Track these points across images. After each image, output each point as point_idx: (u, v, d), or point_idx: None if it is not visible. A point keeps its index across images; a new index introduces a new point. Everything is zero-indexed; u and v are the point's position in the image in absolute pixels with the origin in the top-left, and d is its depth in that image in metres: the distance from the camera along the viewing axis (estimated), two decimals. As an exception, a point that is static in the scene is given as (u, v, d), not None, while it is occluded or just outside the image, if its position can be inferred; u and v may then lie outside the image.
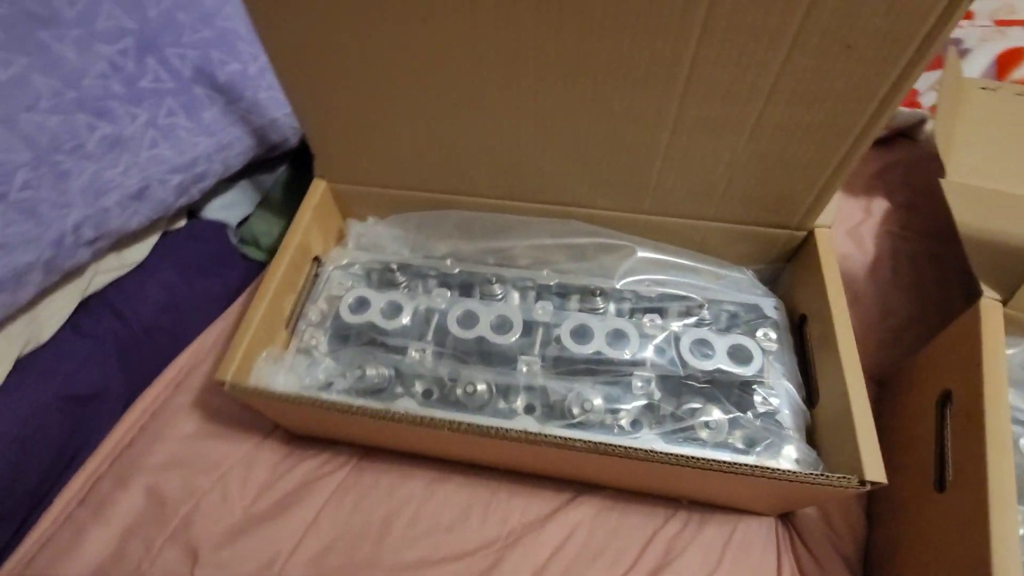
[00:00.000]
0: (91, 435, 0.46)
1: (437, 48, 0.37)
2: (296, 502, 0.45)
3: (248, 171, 0.56)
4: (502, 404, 0.44)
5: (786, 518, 0.45)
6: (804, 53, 0.33)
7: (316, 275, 0.50)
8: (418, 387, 0.45)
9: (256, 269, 0.61)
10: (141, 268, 0.50)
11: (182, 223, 0.52)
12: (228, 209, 0.56)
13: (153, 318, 0.50)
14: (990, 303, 0.39)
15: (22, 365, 0.42)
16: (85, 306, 0.47)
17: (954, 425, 0.37)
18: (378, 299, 0.46)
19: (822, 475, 0.34)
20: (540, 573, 0.41)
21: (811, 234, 0.46)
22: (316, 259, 0.51)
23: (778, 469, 0.34)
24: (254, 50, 0.48)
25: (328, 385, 0.44)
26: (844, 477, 0.33)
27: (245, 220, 0.61)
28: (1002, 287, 0.40)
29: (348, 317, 0.45)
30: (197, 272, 0.53)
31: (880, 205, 0.63)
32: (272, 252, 0.62)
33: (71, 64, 0.40)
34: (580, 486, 0.47)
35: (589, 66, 0.36)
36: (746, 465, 0.34)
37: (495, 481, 0.47)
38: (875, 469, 0.33)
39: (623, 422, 0.41)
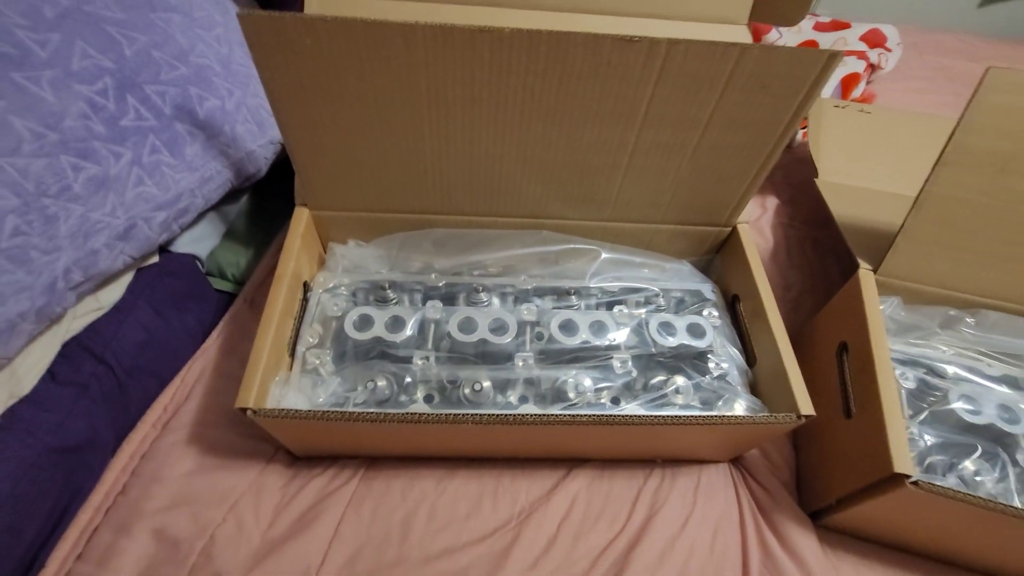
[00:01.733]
0: (83, 485, 0.44)
1: (435, 90, 0.42)
2: (315, 518, 0.47)
3: (216, 203, 0.56)
4: (500, 399, 0.49)
5: (736, 462, 0.55)
6: (733, 91, 0.42)
7: (306, 299, 0.52)
8: (420, 393, 0.49)
9: (225, 300, 0.60)
10: (117, 308, 0.48)
11: (155, 259, 0.51)
12: (198, 242, 0.55)
13: (134, 359, 0.49)
14: (865, 272, 0.52)
15: (5, 421, 0.40)
16: (62, 352, 0.45)
17: (852, 367, 0.49)
18: (380, 315, 0.49)
19: (772, 416, 0.44)
20: (554, 539, 0.47)
21: (735, 229, 0.57)
22: (305, 284, 0.53)
23: (741, 416, 0.43)
24: (229, 85, 0.49)
25: (339, 400, 0.47)
26: (787, 415, 0.43)
27: (210, 252, 0.60)
28: (872, 259, 0.53)
29: (355, 334, 0.48)
30: (172, 308, 0.52)
31: (772, 202, 0.78)
32: (240, 282, 0.62)
33: (49, 105, 0.39)
34: (572, 463, 0.53)
35: (567, 106, 0.43)
36: (718, 416, 0.43)
37: (498, 470, 0.52)
38: (806, 405, 0.44)
39: (606, 399, 0.49)
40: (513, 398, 0.49)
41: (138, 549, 0.44)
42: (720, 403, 0.48)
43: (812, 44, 0.97)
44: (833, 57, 0.40)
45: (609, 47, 0.39)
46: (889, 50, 0.94)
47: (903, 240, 0.50)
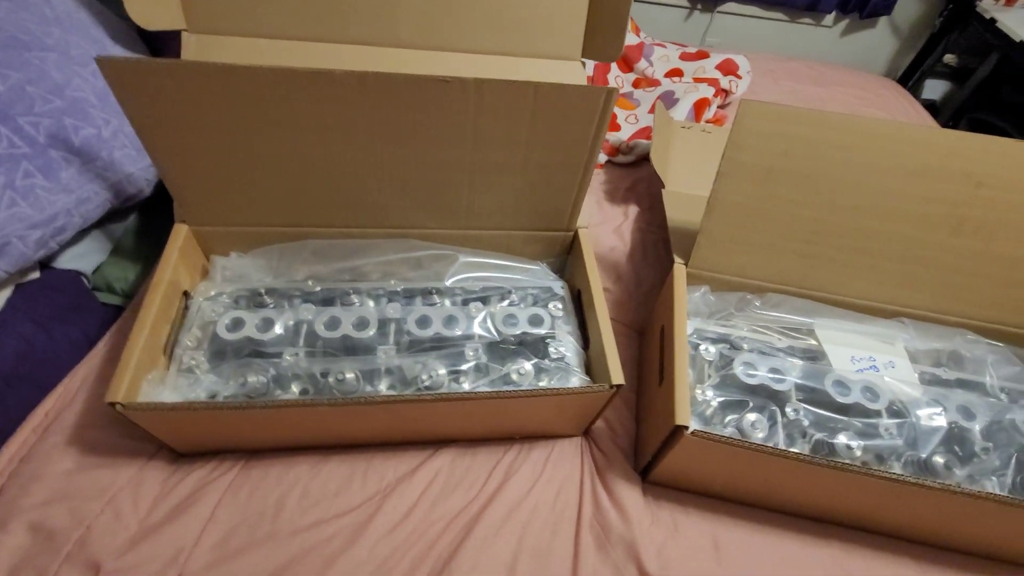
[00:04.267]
0: (-42, 487, 0.47)
1: (290, 121, 0.49)
2: (192, 504, 0.52)
3: (100, 222, 0.60)
4: (368, 388, 0.56)
5: (587, 435, 0.64)
6: (541, 119, 0.51)
7: (187, 307, 0.57)
8: (295, 388, 0.55)
9: (114, 314, 0.64)
10: (-4, 321, 0.52)
11: (35, 275, 0.55)
12: (82, 258, 0.59)
13: (12, 368, 0.52)
14: (679, 266, 0.63)
15: None
16: (-63, 363, 0.48)
17: (663, 346, 0.59)
18: (252, 317, 0.55)
19: (589, 386, 0.52)
20: (414, 507, 0.54)
21: (576, 233, 0.66)
22: (185, 293, 0.58)
23: (560, 387, 0.52)
24: (106, 115, 0.54)
25: (213, 396, 0.52)
26: (600, 385, 0.52)
27: (97, 268, 0.64)
28: (685, 256, 0.63)
29: (225, 335, 0.53)
30: (55, 320, 0.56)
31: (633, 210, 0.89)
32: (128, 296, 0.66)
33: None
34: (438, 444, 0.60)
35: (408, 131, 0.51)
36: (541, 389, 0.51)
37: (370, 453, 0.58)
38: (618, 376, 0.52)
39: (463, 383, 0.56)
40: (383, 387, 0.56)
41: (12, 541, 0.47)
42: (554, 381, 0.57)
43: (677, 72, 1.11)
44: (611, 93, 0.50)
45: (429, 86, 0.47)
46: (740, 77, 1.08)
47: (703, 238, 0.61)
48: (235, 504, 0.53)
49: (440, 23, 0.63)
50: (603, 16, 0.62)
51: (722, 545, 0.54)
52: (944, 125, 1.69)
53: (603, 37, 0.63)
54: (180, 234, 0.57)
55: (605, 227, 0.85)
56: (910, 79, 1.77)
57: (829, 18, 1.79)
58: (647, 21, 1.82)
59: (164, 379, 0.51)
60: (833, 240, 0.58)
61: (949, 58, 1.75)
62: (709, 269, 0.63)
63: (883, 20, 1.80)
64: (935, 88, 1.84)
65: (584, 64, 0.68)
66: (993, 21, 1.46)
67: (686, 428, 0.48)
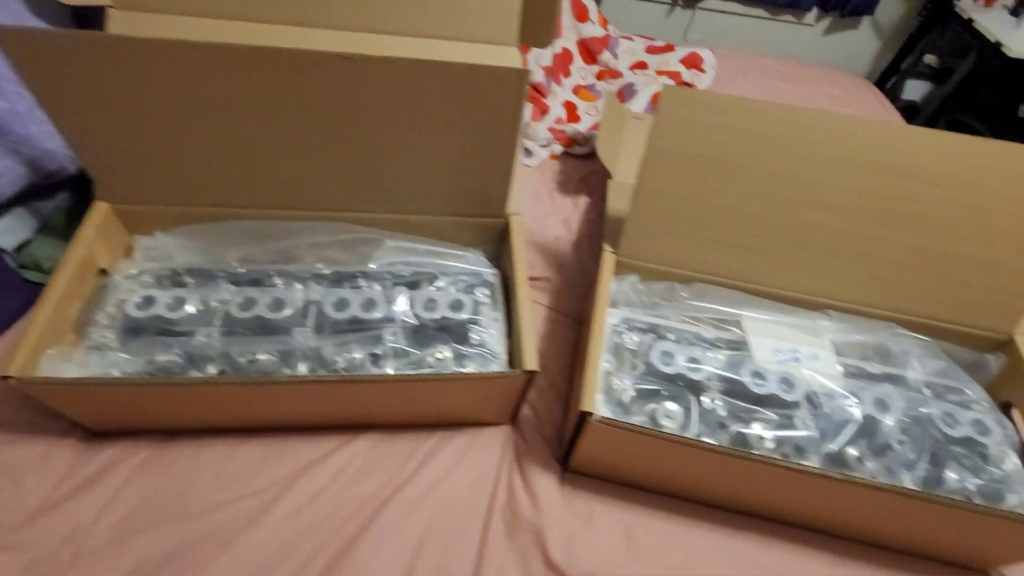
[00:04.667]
0: None
1: (212, 97, 0.48)
2: (96, 483, 0.51)
3: (24, 199, 0.60)
4: (287, 371, 0.55)
5: (515, 423, 0.63)
6: (453, 100, 0.51)
7: (105, 286, 0.57)
8: (212, 369, 0.54)
9: (40, 291, 0.64)
10: (-97, 295, 0.51)
11: (-50, 249, 0.54)
12: (4, 235, 0.59)
13: (-79, 342, 0.52)
14: (608, 255, 0.62)
15: None
16: None
17: (584, 333, 0.59)
18: (163, 296, 0.54)
19: (496, 371, 0.52)
20: (324, 490, 0.53)
21: (508, 220, 0.65)
22: (103, 271, 0.57)
23: (467, 372, 0.51)
24: (21, 89, 0.53)
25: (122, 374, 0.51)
26: (513, 370, 0.52)
27: (25, 246, 0.63)
28: (615, 244, 0.63)
29: (134, 313, 0.53)
30: (-29, 295, 0.56)
31: (584, 200, 0.88)
32: (57, 274, 0.65)
33: None
34: (360, 429, 0.59)
35: (320, 109, 0.51)
36: (450, 374, 0.50)
37: (287, 435, 0.58)
38: (532, 362, 0.52)
39: (385, 368, 0.56)
40: (303, 370, 0.55)
41: (-95, 515, 0.47)
42: (474, 367, 0.56)
43: (642, 65, 1.10)
44: (522, 74, 0.49)
45: (330, 63, 0.46)
46: (703, 71, 1.08)
47: (630, 226, 0.61)
48: (143, 483, 0.52)
49: (375, 5, 0.62)
50: (536, 2, 0.62)
51: (635, 534, 0.54)
52: (924, 125, 1.68)
53: (536, 23, 0.63)
54: (99, 212, 0.57)
55: (554, 217, 0.85)
56: (889, 79, 1.76)
57: (811, 16, 1.78)
58: (629, 17, 1.81)
59: (71, 355, 0.50)
60: (758, 230, 0.57)
61: (930, 58, 1.74)
62: (638, 258, 0.62)
63: (866, 20, 1.79)
64: (917, 89, 1.83)
65: (521, 49, 0.67)
66: (971, 22, 1.45)
67: (591, 415, 0.48)
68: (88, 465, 0.53)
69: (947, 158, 0.53)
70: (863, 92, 1.30)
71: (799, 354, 0.58)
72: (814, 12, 1.76)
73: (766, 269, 0.60)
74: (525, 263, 0.61)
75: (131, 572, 0.47)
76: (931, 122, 1.64)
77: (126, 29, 0.59)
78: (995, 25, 1.41)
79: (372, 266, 0.61)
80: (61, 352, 0.50)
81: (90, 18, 0.60)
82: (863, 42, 1.85)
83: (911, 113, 1.76)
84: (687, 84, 1.05)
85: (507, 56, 0.66)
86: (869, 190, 0.55)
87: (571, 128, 0.96)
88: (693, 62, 1.08)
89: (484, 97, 0.51)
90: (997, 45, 1.36)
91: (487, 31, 0.65)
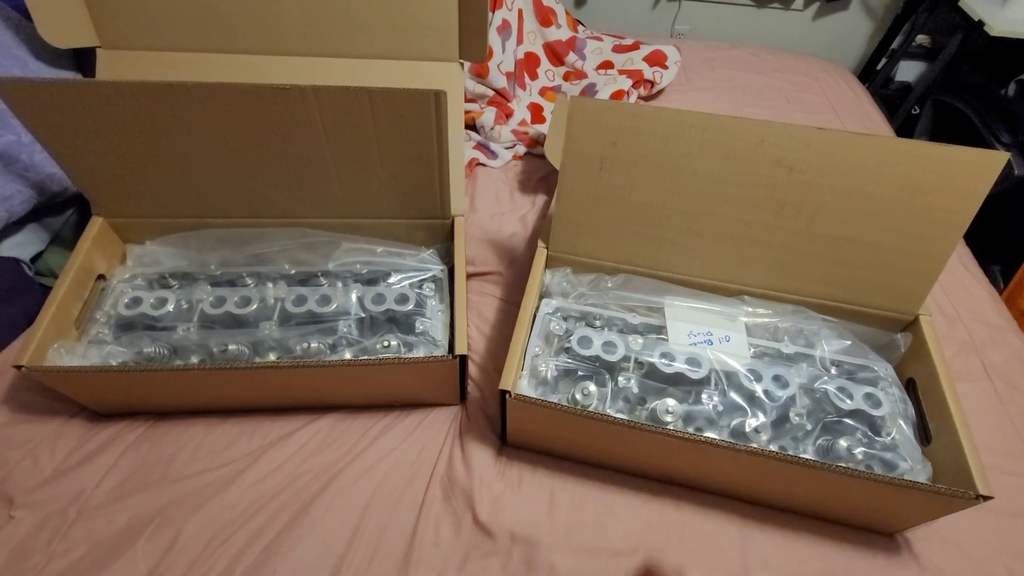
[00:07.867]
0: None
1: (177, 124, 0.57)
2: (99, 455, 0.61)
3: (36, 216, 0.70)
4: (258, 360, 0.64)
5: (464, 403, 0.71)
6: (385, 119, 0.58)
7: (103, 289, 0.66)
8: (194, 359, 0.64)
9: (54, 295, 0.74)
10: (-62, 300, 0.62)
11: (-25, 262, 0.65)
12: (20, 247, 0.69)
13: (-45, 340, 0.62)
14: (540, 249, 0.68)
15: None
16: None
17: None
18: (149, 296, 0.63)
19: (432, 356, 0.59)
20: (288, 460, 0.62)
21: (453, 220, 0.72)
22: (102, 276, 0.67)
23: (403, 357, 0.59)
24: (25, 124, 0.63)
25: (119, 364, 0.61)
26: (444, 355, 0.59)
27: (40, 256, 0.74)
28: (547, 240, 0.69)
29: (123, 311, 0.62)
30: (-6, 300, 0.66)
31: (542, 199, 0.94)
32: (69, 280, 0.76)
33: None
34: (324, 409, 0.68)
35: (269, 131, 0.58)
36: (383, 358, 0.58)
37: (261, 416, 0.66)
38: (462, 347, 0.59)
39: (343, 355, 0.63)
40: (272, 358, 0.64)
41: (-56, 480, 0.57)
42: (419, 354, 0.64)
43: (608, 64, 1.15)
44: (439, 95, 0.56)
45: (271, 94, 0.54)
46: (666, 68, 1.12)
47: (556, 223, 0.67)
48: (136, 455, 0.62)
49: (323, 32, 0.70)
50: (468, 20, 0.68)
51: (557, 497, 0.61)
52: (911, 107, 1.67)
53: (470, 39, 0.69)
54: (95, 225, 0.66)
55: (512, 215, 0.91)
56: (878, 61, 1.74)
57: (799, 2, 1.78)
58: (615, 11, 1.84)
59: (73, 348, 0.60)
60: (667, 222, 0.63)
61: (923, 38, 1.72)
62: (567, 252, 0.69)
63: (856, 3, 1.78)
64: (911, 70, 1.81)
65: (463, 65, 0.73)
66: (955, 0, 1.44)
67: (510, 393, 0.55)
68: (92, 441, 0.62)
69: (826, 152, 0.56)
70: (832, 78, 1.32)
71: (712, 336, 0.63)
72: (801, -3, 1.75)
73: (678, 258, 0.65)
74: (464, 260, 0.68)
75: (125, 526, 0.56)
76: (922, 103, 1.63)
77: (114, 65, 0.69)
78: (980, 3, 1.39)
79: (331, 266, 0.69)
80: (65, 345, 0.59)
81: (86, 53, 0.70)
82: (854, 25, 1.83)
83: (905, 94, 1.74)
84: (649, 82, 1.09)
85: (449, 71, 0.73)
86: (760, 182, 0.59)
87: (534, 130, 1.01)
88: (657, 59, 1.12)
89: (407, 116, 0.57)
90: (980, 24, 1.35)
91: (430, 49, 0.72)
